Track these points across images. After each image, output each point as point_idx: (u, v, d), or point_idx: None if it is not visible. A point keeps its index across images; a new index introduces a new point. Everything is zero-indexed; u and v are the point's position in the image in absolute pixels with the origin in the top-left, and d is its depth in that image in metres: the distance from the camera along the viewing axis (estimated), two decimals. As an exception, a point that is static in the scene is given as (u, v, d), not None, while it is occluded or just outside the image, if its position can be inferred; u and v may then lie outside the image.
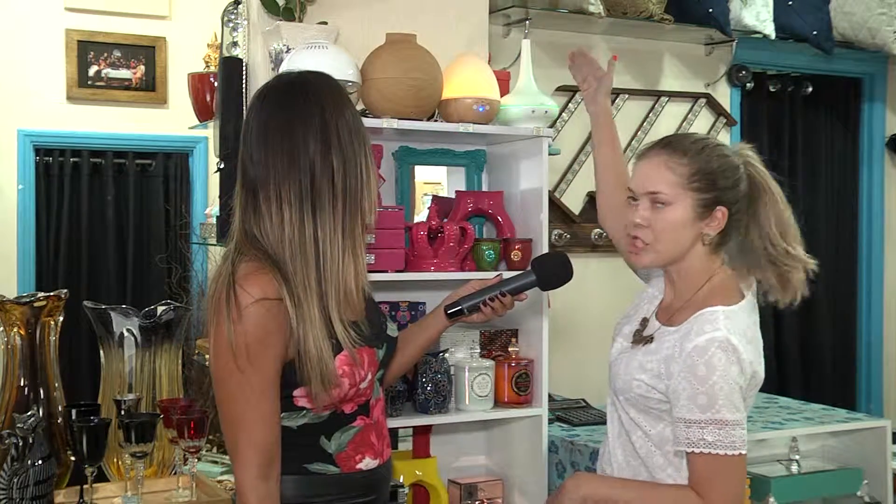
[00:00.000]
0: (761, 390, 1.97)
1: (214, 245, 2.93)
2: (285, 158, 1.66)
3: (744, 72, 4.46)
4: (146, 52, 4.55)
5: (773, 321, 4.75)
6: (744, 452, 1.76)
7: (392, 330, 1.87)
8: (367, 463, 1.78)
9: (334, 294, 1.67)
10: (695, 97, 4.36)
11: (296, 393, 1.69)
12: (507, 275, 2.06)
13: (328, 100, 1.71)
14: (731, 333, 1.77)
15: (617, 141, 2.32)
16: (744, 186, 1.89)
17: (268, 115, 1.70)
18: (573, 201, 4.11)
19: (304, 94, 1.71)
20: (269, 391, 1.65)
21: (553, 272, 2.04)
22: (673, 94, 4.30)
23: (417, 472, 2.67)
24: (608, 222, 2.29)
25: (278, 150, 1.67)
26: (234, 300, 1.61)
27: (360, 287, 1.72)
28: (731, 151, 1.93)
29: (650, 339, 1.91)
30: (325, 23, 2.58)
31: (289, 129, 1.67)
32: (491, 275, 2.14)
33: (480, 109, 2.59)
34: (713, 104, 4.40)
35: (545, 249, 2.61)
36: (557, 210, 4.04)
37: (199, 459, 2.36)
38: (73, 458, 2.31)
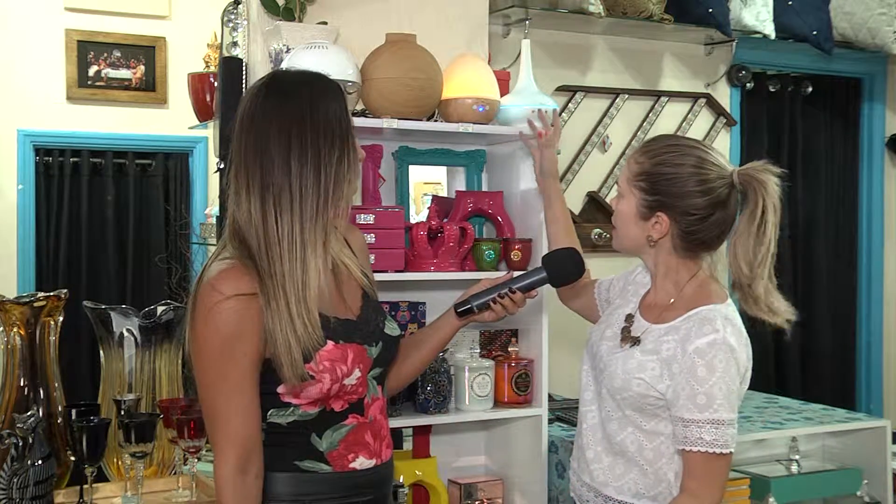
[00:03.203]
0: (761, 390, 1.99)
1: (214, 245, 2.93)
2: (252, 155, 1.70)
3: (744, 72, 4.46)
4: (146, 52, 4.55)
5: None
6: (733, 451, 1.81)
7: (391, 329, 1.87)
8: (362, 462, 1.78)
9: (295, 286, 1.67)
10: (695, 97, 4.35)
11: (279, 389, 1.70)
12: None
13: (300, 100, 1.72)
14: (731, 335, 1.82)
15: (568, 220, 2.45)
16: (701, 201, 1.86)
17: (245, 111, 1.74)
18: (573, 201, 4.10)
19: (276, 92, 1.73)
20: (246, 385, 1.67)
21: (564, 268, 2.04)
22: (673, 94, 4.30)
23: (417, 472, 2.67)
24: (568, 299, 2.34)
25: (248, 146, 1.71)
26: (205, 298, 1.66)
27: (316, 283, 1.70)
28: (706, 165, 1.87)
29: (638, 341, 1.92)
30: (325, 23, 2.58)
31: (256, 127, 1.71)
32: (493, 275, 2.14)
33: (480, 109, 2.59)
34: (713, 104, 4.40)
35: (545, 249, 2.61)
36: (557, 210, 4.03)
37: (199, 459, 2.36)
38: (73, 458, 2.31)
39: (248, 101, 1.76)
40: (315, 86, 1.76)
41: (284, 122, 1.70)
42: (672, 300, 1.92)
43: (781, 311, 1.89)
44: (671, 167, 1.88)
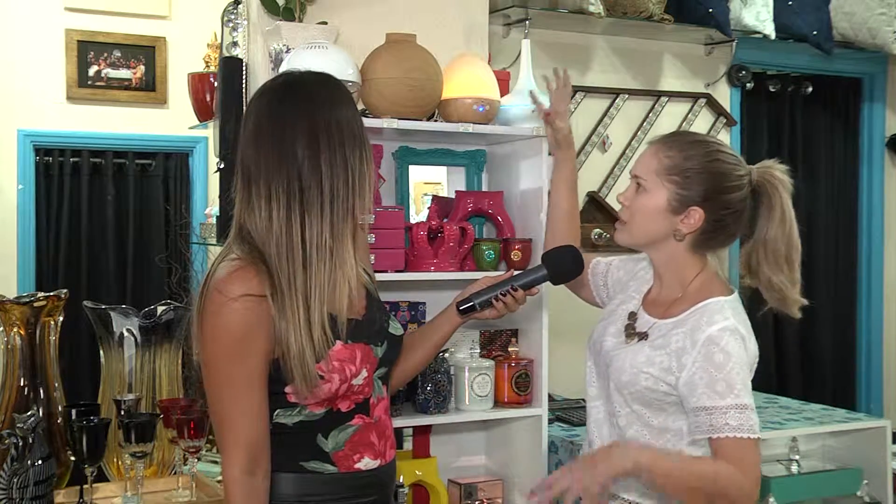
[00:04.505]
0: (762, 390, 1.98)
1: (214, 245, 2.93)
2: (275, 159, 1.67)
3: (744, 72, 4.46)
4: (146, 52, 4.55)
5: (773, 321, 4.74)
6: (760, 437, 1.79)
7: (395, 328, 1.87)
8: (367, 463, 1.77)
9: (320, 293, 1.66)
10: (695, 97, 4.35)
11: (287, 389, 1.70)
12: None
13: (322, 102, 1.71)
14: (739, 323, 1.84)
15: (572, 204, 2.33)
16: (737, 196, 1.89)
17: (262, 114, 1.72)
18: (573, 201, 4.10)
19: (297, 95, 1.72)
20: (254, 386, 1.66)
21: (564, 265, 2.05)
22: (673, 94, 4.30)
23: (417, 472, 2.67)
24: (575, 289, 2.28)
25: (269, 150, 1.68)
26: (214, 299, 1.64)
27: (349, 285, 1.71)
28: (733, 160, 1.92)
29: (645, 336, 1.92)
30: (325, 23, 2.58)
31: (279, 130, 1.68)
32: (493, 275, 2.14)
33: (480, 109, 2.59)
34: (713, 104, 4.40)
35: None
36: (557, 210, 4.03)
37: (199, 459, 2.37)
38: (73, 458, 2.31)
39: (264, 104, 1.73)
40: (330, 87, 1.76)
41: (312, 123, 1.68)
42: (679, 295, 1.93)
43: (798, 300, 1.92)
44: (705, 163, 1.89)
